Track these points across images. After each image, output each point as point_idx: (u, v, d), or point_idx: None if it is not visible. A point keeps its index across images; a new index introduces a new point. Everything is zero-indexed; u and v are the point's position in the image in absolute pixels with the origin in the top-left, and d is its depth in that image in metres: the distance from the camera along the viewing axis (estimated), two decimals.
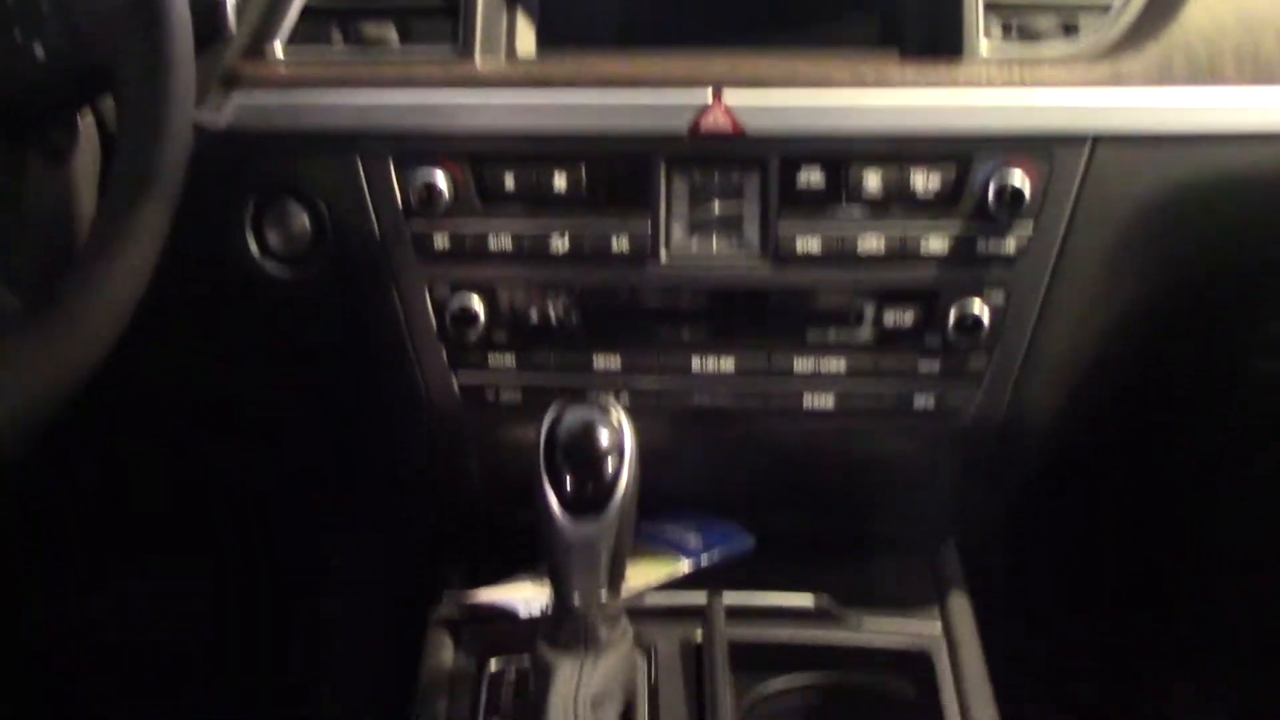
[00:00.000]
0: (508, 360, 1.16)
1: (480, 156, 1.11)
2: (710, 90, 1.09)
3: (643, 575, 1.22)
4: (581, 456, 0.96)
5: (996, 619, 1.24)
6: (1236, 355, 1.44)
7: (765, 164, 1.11)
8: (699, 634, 1.18)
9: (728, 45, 1.17)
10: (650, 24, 1.20)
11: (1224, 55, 1.10)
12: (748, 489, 1.30)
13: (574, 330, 1.16)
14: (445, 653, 1.20)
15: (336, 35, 1.15)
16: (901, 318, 1.14)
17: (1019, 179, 1.09)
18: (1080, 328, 1.16)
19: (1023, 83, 1.09)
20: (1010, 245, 1.11)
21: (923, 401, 1.16)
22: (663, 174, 1.11)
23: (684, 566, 1.25)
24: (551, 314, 1.15)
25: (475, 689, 1.15)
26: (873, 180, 1.10)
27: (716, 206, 1.13)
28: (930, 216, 1.11)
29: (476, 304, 1.13)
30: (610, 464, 0.96)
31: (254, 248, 1.15)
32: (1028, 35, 1.14)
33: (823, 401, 1.16)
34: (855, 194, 1.11)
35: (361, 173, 1.11)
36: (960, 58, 1.12)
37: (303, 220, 1.14)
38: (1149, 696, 1.66)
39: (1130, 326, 1.20)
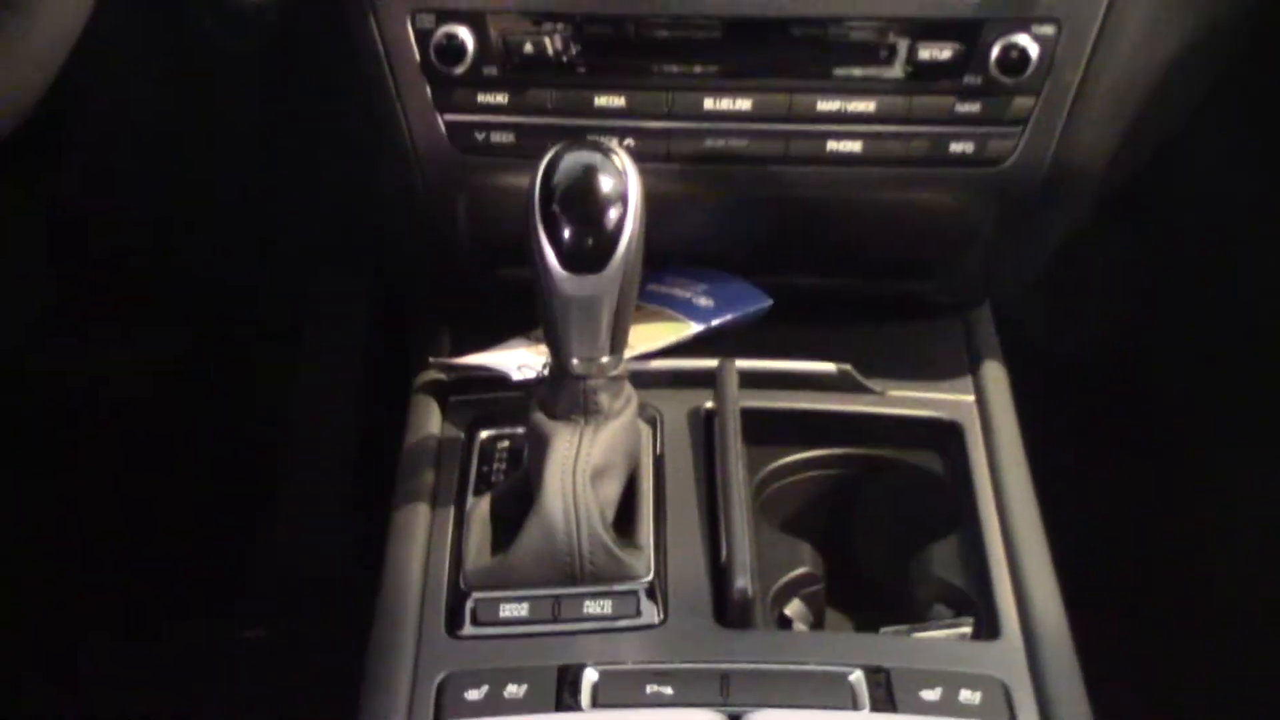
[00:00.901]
0: (499, 98, 1.13)
1: None
2: None
3: (648, 338, 1.21)
4: (581, 205, 0.94)
5: (1033, 392, 1.22)
6: None
7: None
8: (709, 402, 1.16)
9: None
10: None
11: None
12: (764, 245, 1.28)
13: (573, 65, 1.12)
14: (430, 423, 1.17)
15: None
16: (938, 53, 1.10)
17: None
18: (1135, 63, 1.13)
19: None
20: None
21: (960, 147, 1.13)
22: None
23: (693, 328, 1.23)
24: (548, 46, 1.11)
25: (464, 461, 1.13)
26: None
27: None
28: None
29: (464, 34, 1.09)
30: (613, 214, 0.94)
31: None
32: None
33: (849, 146, 1.13)
34: None
35: None
36: None
37: None
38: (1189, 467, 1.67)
39: (1188, 60, 1.16)
